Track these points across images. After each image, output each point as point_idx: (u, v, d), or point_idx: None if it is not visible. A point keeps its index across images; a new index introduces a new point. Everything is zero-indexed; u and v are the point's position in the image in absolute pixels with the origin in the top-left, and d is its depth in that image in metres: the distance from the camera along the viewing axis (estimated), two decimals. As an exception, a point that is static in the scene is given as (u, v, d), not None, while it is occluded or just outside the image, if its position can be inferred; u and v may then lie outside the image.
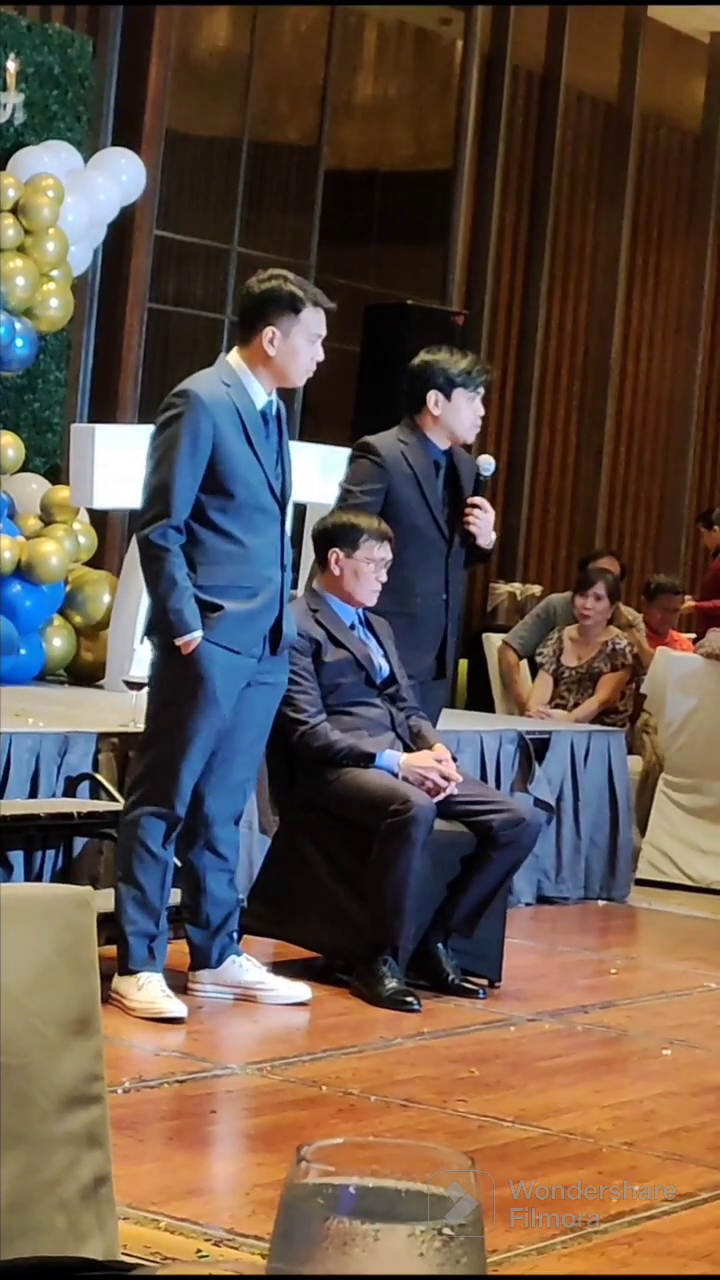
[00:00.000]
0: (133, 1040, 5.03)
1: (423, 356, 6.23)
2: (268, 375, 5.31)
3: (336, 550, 5.89)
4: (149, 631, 5.38)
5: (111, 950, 5.31)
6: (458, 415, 6.12)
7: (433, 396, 6.11)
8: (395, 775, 5.76)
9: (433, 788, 5.75)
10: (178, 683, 5.25)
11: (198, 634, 5.20)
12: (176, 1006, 5.23)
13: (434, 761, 5.81)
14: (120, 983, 5.29)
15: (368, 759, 5.76)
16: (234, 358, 5.36)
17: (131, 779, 5.48)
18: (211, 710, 5.26)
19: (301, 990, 5.55)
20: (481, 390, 6.18)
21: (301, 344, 5.30)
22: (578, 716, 8.65)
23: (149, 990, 5.25)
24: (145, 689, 6.28)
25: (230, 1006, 5.44)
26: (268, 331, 5.28)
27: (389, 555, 5.94)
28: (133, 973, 5.29)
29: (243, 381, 5.29)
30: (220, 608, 5.23)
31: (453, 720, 7.60)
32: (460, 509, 6.18)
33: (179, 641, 5.21)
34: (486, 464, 6.24)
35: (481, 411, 6.22)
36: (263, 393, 5.32)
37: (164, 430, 5.26)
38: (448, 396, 6.11)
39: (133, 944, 5.30)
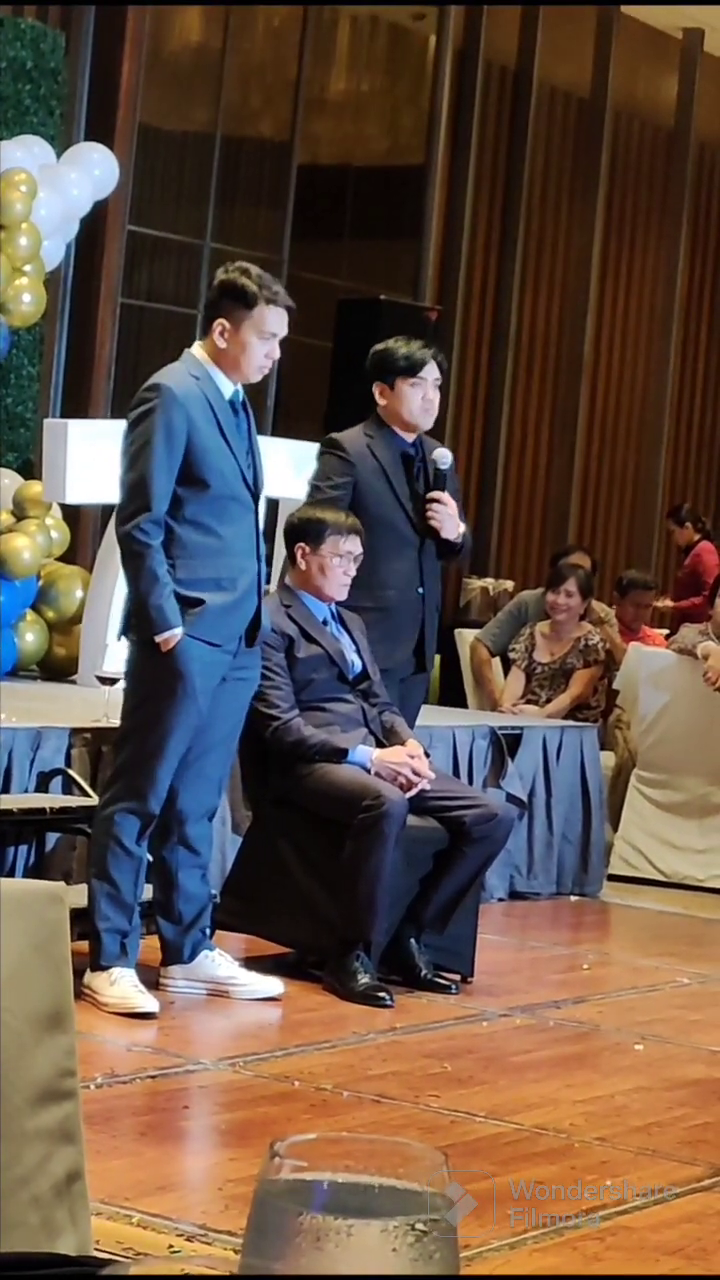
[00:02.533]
0: (105, 1035, 5.03)
1: (372, 349, 6.25)
2: (225, 368, 5.32)
3: (303, 545, 5.90)
4: (126, 627, 5.37)
5: (84, 945, 5.30)
6: (404, 403, 6.13)
7: (377, 388, 6.15)
8: (367, 770, 5.76)
9: (405, 783, 5.75)
10: (155, 679, 5.24)
11: (178, 631, 5.19)
12: (148, 1002, 5.23)
13: (406, 757, 5.81)
14: (92, 978, 5.29)
15: (340, 754, 5.77)
16: (198, 350, 5.36)
17: (106, 775, 5.47)
18: (189, 706, 5.26)
19: (274, 985, 5.56)
20: (426, 375, 6.12)
21: (251, 340, 5.27)
22: (550, 712, 8.66)
23: (121, 985, 5.25)
24: (119, 684, 6.28)
25: (202, 1002, 5.44)
26: (218, 324, 5.27)
27: (357, 549, 5.94)
28: (105, 968, 5.29)
29: (209, 373, 5.29)
30: (200, 602, 5.22)
31: (425, 716, 7.59)
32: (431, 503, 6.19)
33: (159, 638, 5.19)
34: (444, 457, 6.20)
35: (431, 396, 6.16)
36: (229, 383, 5.32)
37: (138, 425, 5.26)
38: (391, 386, 6.12)
39: (105, 939, 5.30)
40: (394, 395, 6.12)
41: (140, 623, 5.24)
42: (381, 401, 6.15)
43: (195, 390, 5.25)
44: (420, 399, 6.12)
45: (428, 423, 6.20)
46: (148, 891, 5.52)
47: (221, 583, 5.27)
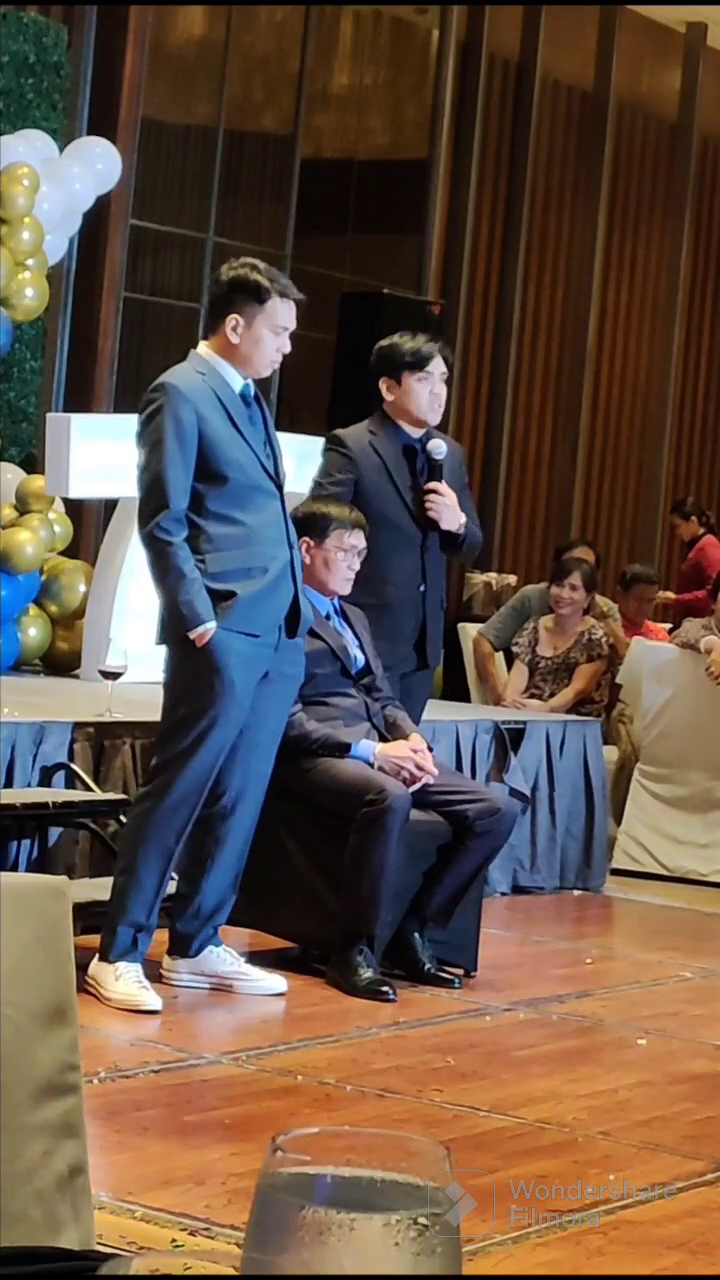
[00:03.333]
0: (109, 1030, 5.03)
1: (378, 345, 6.24)
2: (237, 364, 5.30)
3: (307, 539, 5.89)
4: (162, 632, 5.30)
5: (87, 939, 5.29)
6: (411, 398, 6.11)
7: (384, 384, 6.13)
8: (370, 765, 5.76)
9: (408, 778, 5.75)
10: (193, 677, 5.19)
11: (211, 625, 5.15)
12: (153, 999, 5.22)
13: (409, 751, 5.81)
14: (97, 969, 5.27)
15: (343, 749, 5.76)
16: (204, 349, 5.35)
17: (148, 770, 5.41)
18: (230, 703, 5.21)
19: (278, 980, 5.55)
20: (433, 369, 6.11)
21: (265, 334, 5.27)
22: (553, 706, 8.66)
23: (126, 981, 5.24)
24: (122, 678, 6.28)
25: (206, 996, 5.44)
26: (231, 319, 5.26)
27: (361, 543, 5.93)
28: (112, 962, 5.27)
29: (217, 369, 5.28)
30: (233, 594, 5.18)
31: (428, 710, 7.58)
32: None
33: (193, 634, 5.15)
34: (436, 448, 6.15)
35: (439, 390, 6.13)
36: (238, 377, 5.31)
37: (147, 426, 5.24)
38: (398, 381, 6.11)
39: (120, 933, 5.28)
40: (401, 390, 6.11)
41: (173, 622, 5.19)
42: (389, 397, 6.14)
43: (202, 385, 5.24)
44: (428, 394, 6.11)
45: (435, 418, 6.19)
46: (170, 887, 5.50)
47: (252, 572, 5.22)
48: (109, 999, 5.20)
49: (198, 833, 5.38)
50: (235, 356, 5.28)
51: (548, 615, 8.96)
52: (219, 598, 5.17)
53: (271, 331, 5.27)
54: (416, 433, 6.15)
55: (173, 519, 5.15)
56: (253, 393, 5.35)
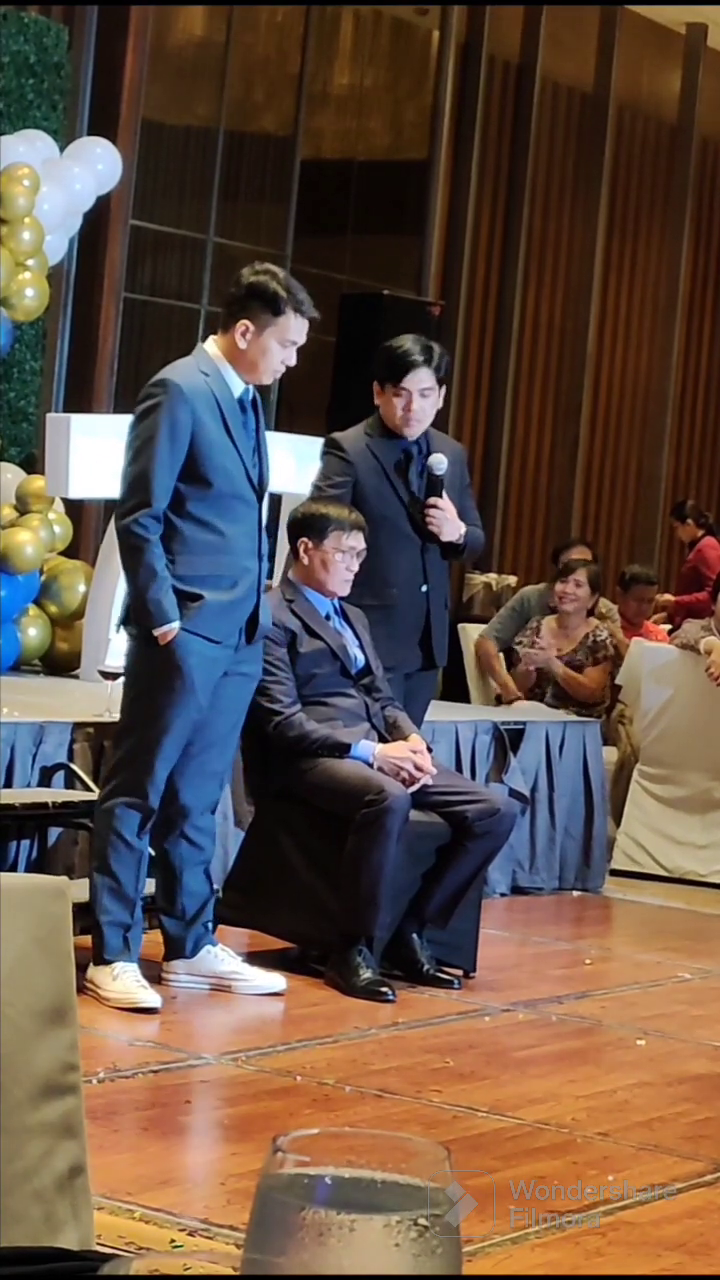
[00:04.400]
0: (108, 1030, 5.03)
1: (381, 346, 6.24)
2: (240, 368, 5.31)
3: (306, 540, 5.90)
4: (125, 620, 5.37)
5: (88, 940, 5.30)
6: (386, 408, 6.11)
7: (375, 386, 6.14)
8: (369, 765, 5.76)
9: (407, 778, 5.75)
10: (154, 673, 5.25)
11: (175, 624, 5.19)
12: (151, 997, 5.23)
13: (409, 752, 5.81)
14: (95, 972, 5.29)
15: (343, 749, 5.76)
16: (211, 347, 5.35)
17: (107, 769, 5.47)
18: (188, 700, 5.26)
19: (276, 980, 5.56)
20: (409, 384, 5.98)
21: (273, 345, 5.27)
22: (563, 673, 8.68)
23: (124, 980, 5.25)
24: (121, 679, 6.27)
25: (205, 996, 5.44)
26: (241, 325, 5.26)
27: (360, 545, 5.93)
28: (108, 963, 5.29)
29: (220, 370, 5.29)
30: (200, 597, 5.23)
31: (428, 711, 7.58)
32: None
33: (157, 632, 5.20)
34: (438, 463, 6.10)
35: (417, 405, 6.02)
36: (239, 381, 5.31)
37: (143, 420, 5.25)
38: (382, 388, 6.11)
39: (108, 934, 5.30)
40: (383, 398, 6.13)
41: (139, 616, 5.24)
42: (376, 401, 6.17)
43: (203, 387, 5.24)
44: (400, 408, 6.04)
45: (411, 432, 6.09)
46: (150, 886, 5.52)
47: (222, 581, 5.27)
48: (108, 999, 5.21)
49: (161, 834, 5.41)
50: (240, 361, 5.29)
51: (550, 615, 8.95)
52: (185, 598, 5.22)
53: (280, 344, 5.28)
54: (409, 438, 6.13)
55: (151, 516, 5.19)
56: (250, 397, 5.36)
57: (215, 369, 5.28)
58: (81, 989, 5.20)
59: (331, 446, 6.20)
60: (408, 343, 6.12)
